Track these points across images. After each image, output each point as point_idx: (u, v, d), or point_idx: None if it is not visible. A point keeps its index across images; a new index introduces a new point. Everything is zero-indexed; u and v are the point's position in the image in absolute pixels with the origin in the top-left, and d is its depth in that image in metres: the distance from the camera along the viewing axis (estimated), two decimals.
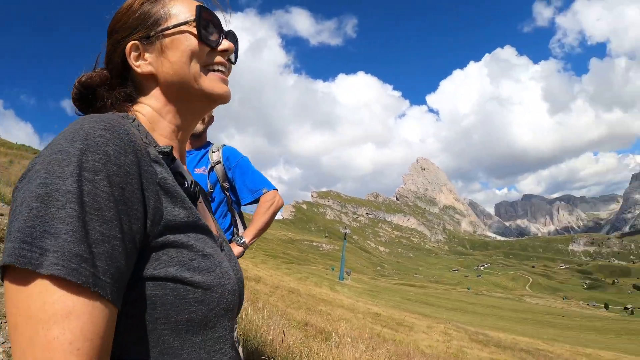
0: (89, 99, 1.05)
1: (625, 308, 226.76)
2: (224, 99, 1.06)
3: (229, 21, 1.15)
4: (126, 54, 1.01)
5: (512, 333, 41.89)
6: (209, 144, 3.24)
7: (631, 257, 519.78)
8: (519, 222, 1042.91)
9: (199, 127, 3.10)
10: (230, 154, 3.14)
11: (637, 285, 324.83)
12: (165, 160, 0.90)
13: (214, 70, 1.04)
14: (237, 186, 3.03)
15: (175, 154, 1.01)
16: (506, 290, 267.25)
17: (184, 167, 1.02)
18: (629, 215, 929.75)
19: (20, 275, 0.64)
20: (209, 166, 3.06)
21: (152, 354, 0.78)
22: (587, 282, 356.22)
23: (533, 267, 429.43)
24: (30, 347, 0.63)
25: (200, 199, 1.05)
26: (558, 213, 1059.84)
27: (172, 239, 0.81)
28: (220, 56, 1.05)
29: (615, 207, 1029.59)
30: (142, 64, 1.02)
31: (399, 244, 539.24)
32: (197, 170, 3.06)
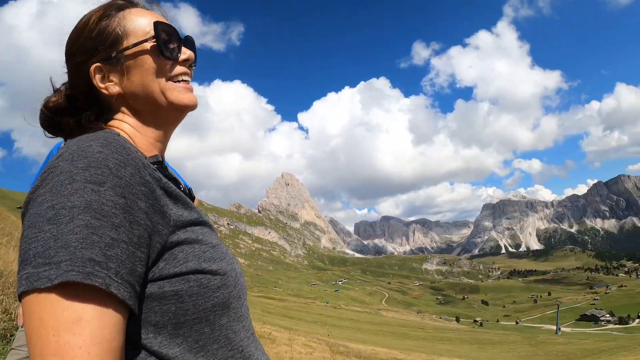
0: (57, 123, 1.06)
1: (475, 321, 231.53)
2: (191, 107, 1.08)
3: (166, 16, 1.15)
4: (91, 77, 1.01)
5: (371, 344, 43.08)
6: None
7: (479, 276, 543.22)
8: (376, 241, 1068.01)
9: None
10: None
11: (484, 300, 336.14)
12: (158, 168, 0.96)
13: (178, 81, 1.06)
14: None
15: None
16: (363, 304, 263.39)
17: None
18: (479, 240, 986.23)
19: (41, 294, 0.68)
20: None
21: (187, 343, 0.85)
22: (439, 297, 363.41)
23: (389, 283, 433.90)
24: (43, 354, 0.65)
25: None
26: (414, 234, 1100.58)
27: (184, 237, 0.88)
28: (182, 66, 1.07)
29: (466, 232, 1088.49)
30: (109, 86, 1.02)
31: (259, 257, 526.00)
32: None
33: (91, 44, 1.01)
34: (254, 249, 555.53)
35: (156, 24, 1.02)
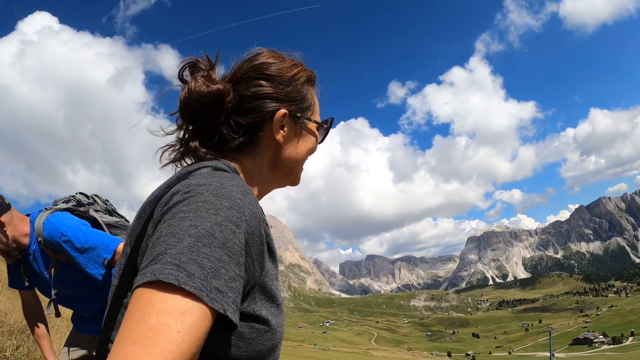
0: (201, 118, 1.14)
1: (467, 354, 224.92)
2: (294, 186, 1.28)
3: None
4: (276, 116, 1.14)
5: None
6: (31, 236, 2.73)
7: (468, 309, 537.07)
8: (362, 280, 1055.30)
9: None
10: (48, 235, 2.65)
11: (475, 333, 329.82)
12: None
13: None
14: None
15: None
16: (352, 344, 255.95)
17: None
18: (465, 273, 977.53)
19: (160, 287, 0.76)
20: (51, 262, 2.71)
21: None
22: (429, 333, 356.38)
23: (377, 322, 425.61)
24: (140, 329, 0.72)
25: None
26: (399, 272, 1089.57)
27: (267, 287, 1.01)
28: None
29: (452, 266, 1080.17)
30: (280, 132, 1.15)
31: None
32: (48, 271, 2.72)
33: (290, 92, 1.15)
34: None
35: (331, 121, 1.22)
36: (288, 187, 1.26)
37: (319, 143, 1.19)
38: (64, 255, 2.63)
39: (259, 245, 0.96)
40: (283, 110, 1.14)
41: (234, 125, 1.15)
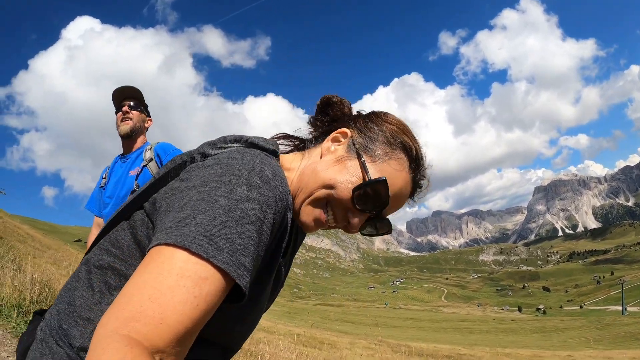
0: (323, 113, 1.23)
1: (538, 309, 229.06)
2: (300, 225, 1.14)
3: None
4: (340, 129, 1.14)
5: (433, 342, 42.58)
6: (146, 144, 3.27)
7: (538, 262, 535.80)
8: (430, 237, 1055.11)
9: (125, 128, 3.17)
10: (161, 149, 3.14)
11: (546, 287, 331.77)
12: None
13: (318, 218, 1.09)
14: None
15: None
16: (423, 302, 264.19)
17: None
18: (534, 225, 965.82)
19: (186, 251, 0.75)
20: (142, 164, 3.06)
21: (217, 336, 1.03)
22: (499, 288, 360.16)
23: (447, 279, 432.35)
24: (156, 285, 0.71)
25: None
26: (467, 227, 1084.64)
27: (266, 270, 1.02)
28: (340, 211, 1.09)
29: (520, 218, 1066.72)
30: (332, 146, 1.13)
31: (314, 265, 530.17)
32: (132, 173, 3.08)
33: (372, 134, 1.11)
34: (308, 257, 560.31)
35: (385, 183, 1.03)
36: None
37: (357, 204, 1.05)
38: (154, 166, 3.08)
39: (282, 229, 0.98)
40: (348, 130, 1.13)
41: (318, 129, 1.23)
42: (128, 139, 3.21)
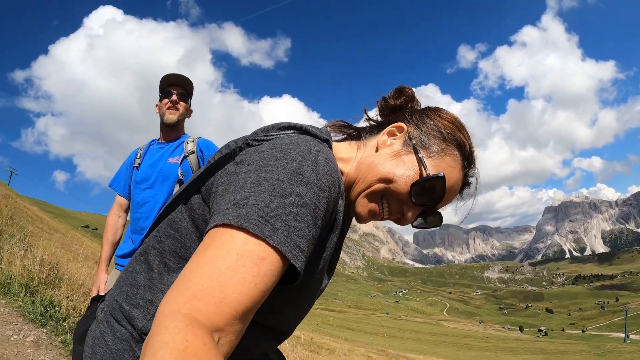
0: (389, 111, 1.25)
1: (539, 330, 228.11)
2: (355, 217, 1.15)
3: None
4: (396, 124, 1.15)
5: (432, 355, 42.80)
6: (185, 135, 3.31)
7: (543, 283, 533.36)
8: (436, 250, 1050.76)
9: (172, 117, 3.18)
10: (204, 145, 3.19)
11: (549, 309, 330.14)
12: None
13: (373, 210, 1.10)
14: None
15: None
16: (424, 315, 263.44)
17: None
18: (541, 245, 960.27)
19: (244, 232, 0.76)
20: (182, 155, 3.10)
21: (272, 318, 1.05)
22: (501, 306, 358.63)
23: (450, 293, 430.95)
24: (215, 264, 0.72)
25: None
26: (474, 242, 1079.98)
27: (317, 257, 1.02)
28: (394, 204, 1.10)
29: (528, 237, 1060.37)
30: (388, 140, 1.14)
31: None
32: (171, 160, 3.11)
33: (428, 129, 1.13)
34: None
35: (442, 179, 1.05)
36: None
37: (413, 199, 1.07)
38: (194, 159, 3.13)
39: (334, 216, 0.99)
40: (404, 125, 1.15)
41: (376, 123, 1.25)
42: (171, 128, 3.22)
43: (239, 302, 0.70)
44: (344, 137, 1.27)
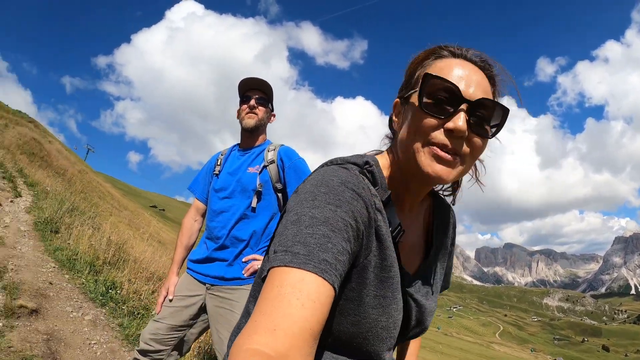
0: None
1: None
2: (432, 179, 1.02)
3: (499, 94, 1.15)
4: (394, 106, 1.18)
5: None
6: (267, 142, 3.23)
7: (604, 317, 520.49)
8: (497, 269, 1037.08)
9: (250, 122, 3.10)
10: (285, 154, 3.09)
11: (606, 346, 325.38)
12: (385, 207, 1.07)
13: (435, 146, 1.01)
14: (288, 189, 2.97)
15: (395, 200, 1.14)
16: (476, 335, 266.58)
17: (395, 214, 1.10)
18: (607, 277, 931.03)
19: (276, 272, 0.82)
20: (262, 165, 3.05)
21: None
22: (556, 337, 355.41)
23: (505, 315, 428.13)
24: (265, 300, 0.77)
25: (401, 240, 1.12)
26: (537, 265, 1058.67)
27: (367, 273, 1.03)
28: (447, 135, 1.00)
29: (594, 266, 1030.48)
30: (395, 121, 1.16)
31: None
32: (250, 170, 3.07)
33: (405, 80, 1.14)
34: None
35: (427, 75, 1.00)
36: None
37: (424, 109, 0.99)
38: (274, 169, 2.99)
39: (367, 228, 0.99)
40: (396, 100, 1.16)
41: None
42: (250, 133, 3.14)
43: (293, 324, 0.73)
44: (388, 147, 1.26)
